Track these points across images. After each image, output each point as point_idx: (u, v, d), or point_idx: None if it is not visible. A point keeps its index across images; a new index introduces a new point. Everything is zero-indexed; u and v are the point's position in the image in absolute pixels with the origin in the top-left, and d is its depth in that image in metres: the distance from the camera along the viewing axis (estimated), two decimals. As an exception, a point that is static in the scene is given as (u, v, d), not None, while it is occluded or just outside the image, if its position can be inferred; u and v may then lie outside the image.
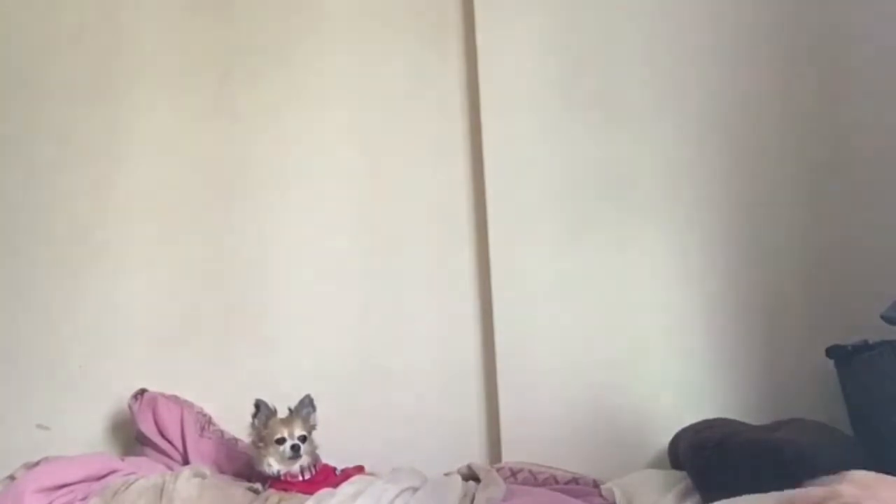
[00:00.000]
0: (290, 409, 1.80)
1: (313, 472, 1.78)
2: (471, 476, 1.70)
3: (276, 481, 1.76)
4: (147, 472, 1.80)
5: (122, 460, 1.86)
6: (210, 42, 2.12)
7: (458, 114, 2.07)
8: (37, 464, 1.75)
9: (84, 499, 1.69)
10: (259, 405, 1.80)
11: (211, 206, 2.09)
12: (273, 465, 1.76)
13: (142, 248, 2.08)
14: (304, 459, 1.77)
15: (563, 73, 2.00)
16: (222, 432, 1.97)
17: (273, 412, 1.80)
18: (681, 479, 1.66)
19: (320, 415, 1.87)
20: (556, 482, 1.67)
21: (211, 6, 2.13)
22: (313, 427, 1.82)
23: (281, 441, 1.75)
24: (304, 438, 1.77)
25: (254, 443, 1.81)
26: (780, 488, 1.36)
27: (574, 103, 1.99)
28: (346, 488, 1.59)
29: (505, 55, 2.03)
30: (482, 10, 2.04)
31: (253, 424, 1.80)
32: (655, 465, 1.81)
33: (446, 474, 1.74)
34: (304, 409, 1.81)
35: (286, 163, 2.10)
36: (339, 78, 2.11)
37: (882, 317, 1.62)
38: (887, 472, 1.03)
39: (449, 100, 2.08)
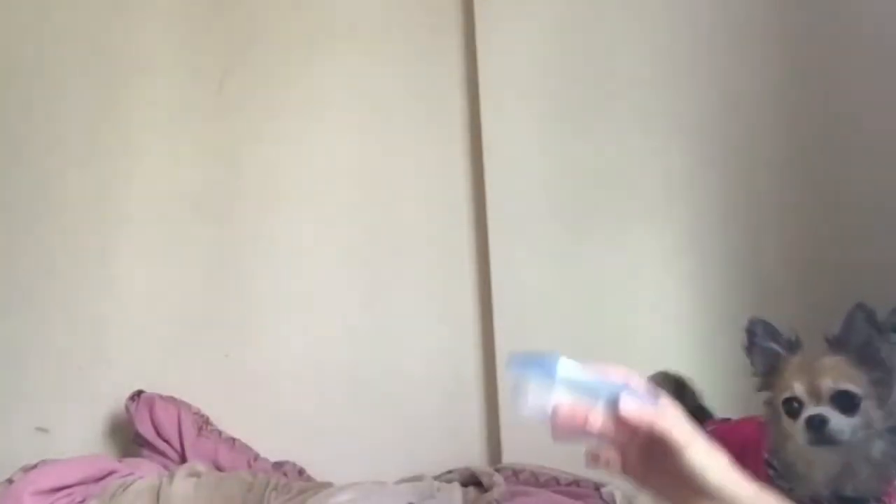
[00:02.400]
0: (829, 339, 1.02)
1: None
2: (471, 480, 1.70)
3: None
4: (145, 472, 1.80)
5: (120, 462, 1.86)
6: (210, 45, 2.11)
7: (457, 114, 2.06)
8: (34, 466, 1.74)
9: (83, 501, 1.69)
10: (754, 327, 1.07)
11: (210, 208, 2.07)
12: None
13: (141, 251, 2.06)
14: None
15: (564, 74, 2.00)
16: (220, 432, 1.96)
17: (795, 342, 1.08)
18: (681, 481, 1.67)
19: (319, 417, 1.87)
20: (558, 484, 1.68)
21: (211, 10, 2.12)
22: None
23: (792, 404, 1.00)
24: (849, 399, 0.96)
25: (766, 403, 1.12)
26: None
27: (574, 104, 1.99)
28: (346, 494, 1.59)
29: (505, 55, 2.03)
30: (482, 10, 2.04)
31: (752, 361, 1.12)
32: (656, 467, 1.82)
33: (447, 474, 1.75)
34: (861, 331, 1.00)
35: (286, 164, 2.09)
36: (338, 78, 2.09)
37: (882, 325, 1.63)
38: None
39: (449, 100, 2.07)
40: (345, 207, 2.07)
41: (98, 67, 2.10)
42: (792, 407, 1.01)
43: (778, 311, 1.88)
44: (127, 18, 2.12)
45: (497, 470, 1.75)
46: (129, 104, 2.09)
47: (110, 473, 1.77)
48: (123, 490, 1.70)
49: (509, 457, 1.89)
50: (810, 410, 0.99)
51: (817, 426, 0.98)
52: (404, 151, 2.08)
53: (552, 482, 1.69)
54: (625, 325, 1.93)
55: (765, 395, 1.17)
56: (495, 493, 1.59)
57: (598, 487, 1.66)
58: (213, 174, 2.08)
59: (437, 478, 1.74)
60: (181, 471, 1.76)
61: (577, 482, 1.68)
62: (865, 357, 0.99)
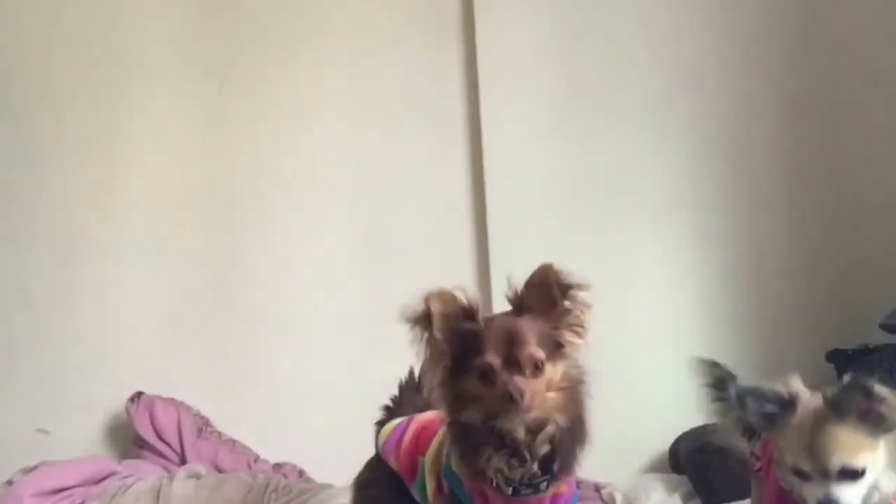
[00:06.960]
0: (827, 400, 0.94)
1: None
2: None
3: None
4: (144, 474, 1.80)
5: (120, 463, 1.86)
6: (210, 47, 2.10)
7: (458, 115, 2.07)
8: (34, 468, 1.74)
9: (83, 503, 1.69)
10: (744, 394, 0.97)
11: (210, 210, 2.07)
12: None
13: (140, 252, 2.06)
14: None
15: (564, 74, 2.01)
16: (220, 434, 1.96)
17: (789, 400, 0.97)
18: (682, 483, 1.67)
19: (319, 418, 1.86)
20: (559, 485, 1.68)
21: (212, 12, 2.12)
22: None
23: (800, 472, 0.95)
24: (856, 472, 0.93)
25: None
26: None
27: (574, 105, 2.00)
28: (346, 496, 1.58)
29: (505, 55, 2.03)
30: (482, 10, 2.04)
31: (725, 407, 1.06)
32: (657, 469, 1.82)
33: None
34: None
35: (285, 165, 2.09)
36: (339, 80, 2.09)
37: (881, 326, 1.64)
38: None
39: (449, 100, 2.07)
40: (344, 208, 2.07)
41: (98, 69, 2.10)
42: (801, 473, 0.99)
43: (783, 312, 1.90)
44: (127, 20, 2.12)
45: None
46: (129, 105, 2.09)
47: (110, 475, 1.77)
48: (123, 491, 1.70)
49: (510, 458, 1.89)
50: (819, 489, 0.96)
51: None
52: (404, 152, 2.08)
53: (552, 483, 1.69)
54: (624, 325, 1.93)
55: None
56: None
57: (598, 489, 1.66)
58: (213, 175, 2.08)
59: (437, 479, 1.74)
60: (181, 472, 1.76)
61: (577, 483, 1.68)
62: (866, 420, 0.95)
